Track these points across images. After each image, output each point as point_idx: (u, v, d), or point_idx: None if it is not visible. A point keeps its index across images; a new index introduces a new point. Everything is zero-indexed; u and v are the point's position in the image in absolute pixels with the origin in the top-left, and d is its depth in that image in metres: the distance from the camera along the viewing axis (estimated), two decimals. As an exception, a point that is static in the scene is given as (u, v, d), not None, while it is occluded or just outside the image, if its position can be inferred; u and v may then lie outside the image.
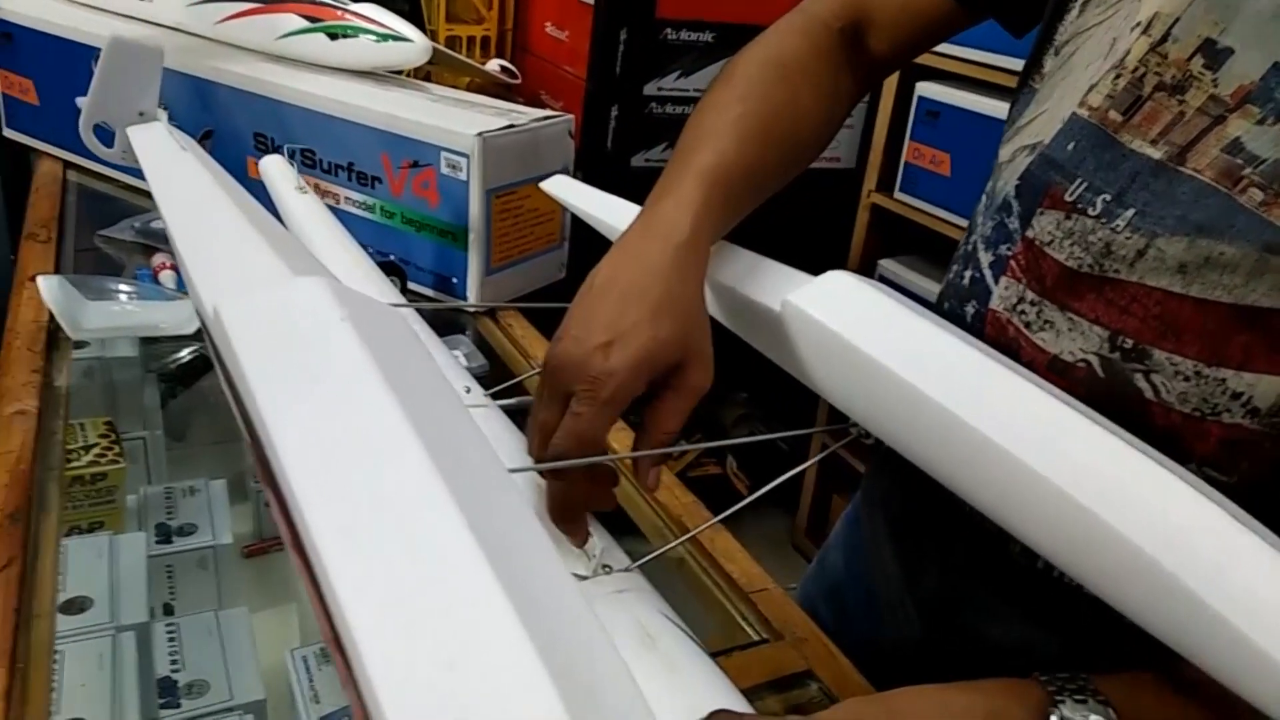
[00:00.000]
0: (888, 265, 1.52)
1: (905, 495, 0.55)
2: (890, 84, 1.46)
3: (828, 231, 1.59)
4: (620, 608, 0.39)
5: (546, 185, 0.68)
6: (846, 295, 0.44)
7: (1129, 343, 0.39)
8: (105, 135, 0.71)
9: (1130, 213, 0.38)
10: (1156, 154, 0.38)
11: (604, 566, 0.41)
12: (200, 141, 1.03)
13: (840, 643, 0.55)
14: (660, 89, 1.45)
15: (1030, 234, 0.42)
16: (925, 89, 1.41)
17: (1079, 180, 0.40)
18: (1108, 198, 0.39)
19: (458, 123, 0.85)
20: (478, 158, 0.83)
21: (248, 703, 0.61)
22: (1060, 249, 0.41)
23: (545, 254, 0.97)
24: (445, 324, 0.91)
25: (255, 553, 0.91)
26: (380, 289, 0.61)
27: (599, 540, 0.42)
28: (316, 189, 0.95)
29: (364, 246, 0.94)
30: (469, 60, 1.36)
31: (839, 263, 1.72)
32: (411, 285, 0.92)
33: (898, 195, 1.48)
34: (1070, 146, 0.41)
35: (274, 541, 0.93)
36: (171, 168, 0.49)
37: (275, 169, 0.76)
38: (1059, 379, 0.42)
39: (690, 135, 0.48)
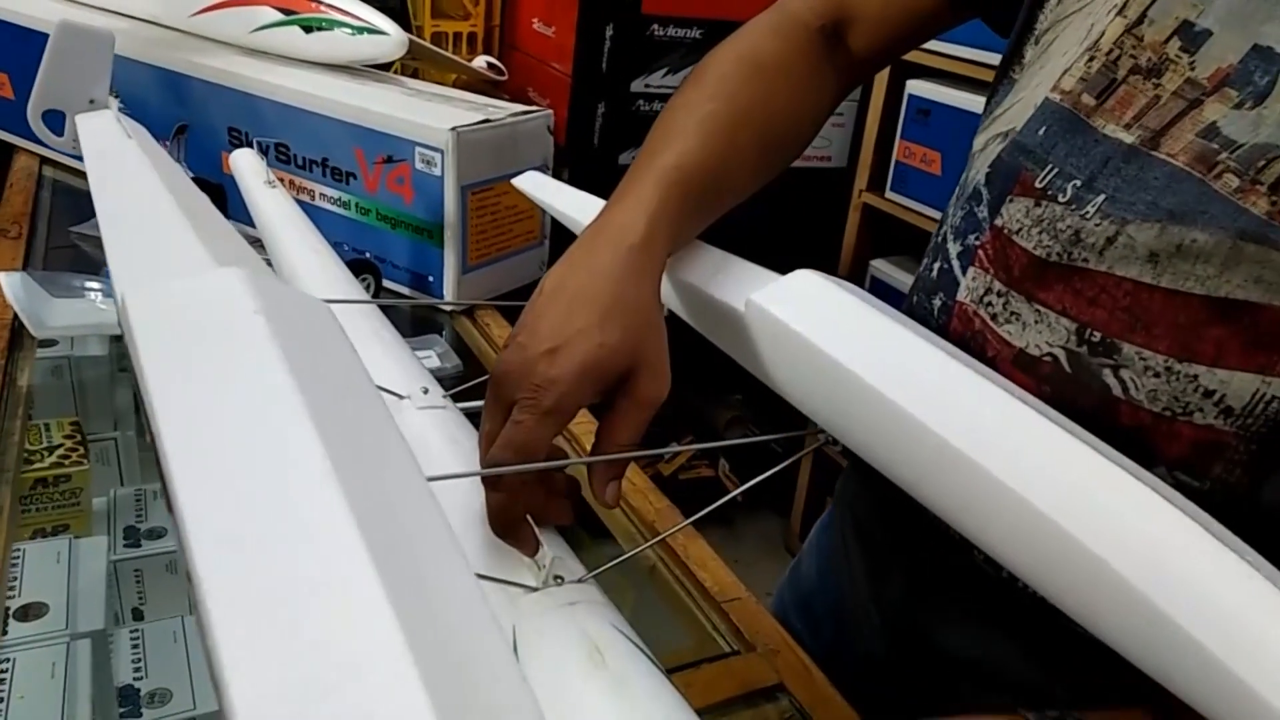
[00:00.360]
0: (879, 265, 1.50)
1: (871, 500, 0.53)
2: (881, 82, 1.44)
3: (818, 231, 1.57)
4: (569, 621, 0.37)
5: (519, 181, 0.66)
6: (811, 295, 0.42)
7: (1097, 336, 0.37)
8: (60, 122, 0.69)
9: (1100, 199, 0.36)
10: (1129, 138, 0.36)
11: (556, 577, 0.39)
12: (174, 136, 1.01)
13: (812, 655, 0.53)
14: (647, 86, 1.43)
15: (999, 222, 0.41)
16: (916, 87, 1.39)
17: (1049, 166, 0.39)
18: (1078, 184, 0.37)
19: (432, 117, 0.83)
20: (452, 153, 0.81)
21: (211, 712, 0.59)
22: (1028, 237, 0.39)
23: (524, 252, 0.95)
24: (421, 323, 0.89)
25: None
26: (345, 286, 0.59)
27: (551, 549, 0.40)
28: (291, 185, 0.93)
29: (339, 245, 0.93)
30: (453, 56, 1.34)
31: (829, 263, 1.71)
32: (388, 283, 0.90)
33: (889, 194, 1.46)
34: (1041, 131, 0.39)
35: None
36: (112, 155, 0.47)
37: (245, 163, 0.74)
38: (1024, 375, 0.40)
39: (654, 136, 0.46)
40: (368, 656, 0.18)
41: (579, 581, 0.39)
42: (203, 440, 0.22)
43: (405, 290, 0.91)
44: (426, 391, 0.49)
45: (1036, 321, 0.39)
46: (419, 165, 0.84)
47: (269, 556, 0.20)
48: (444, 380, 0.81)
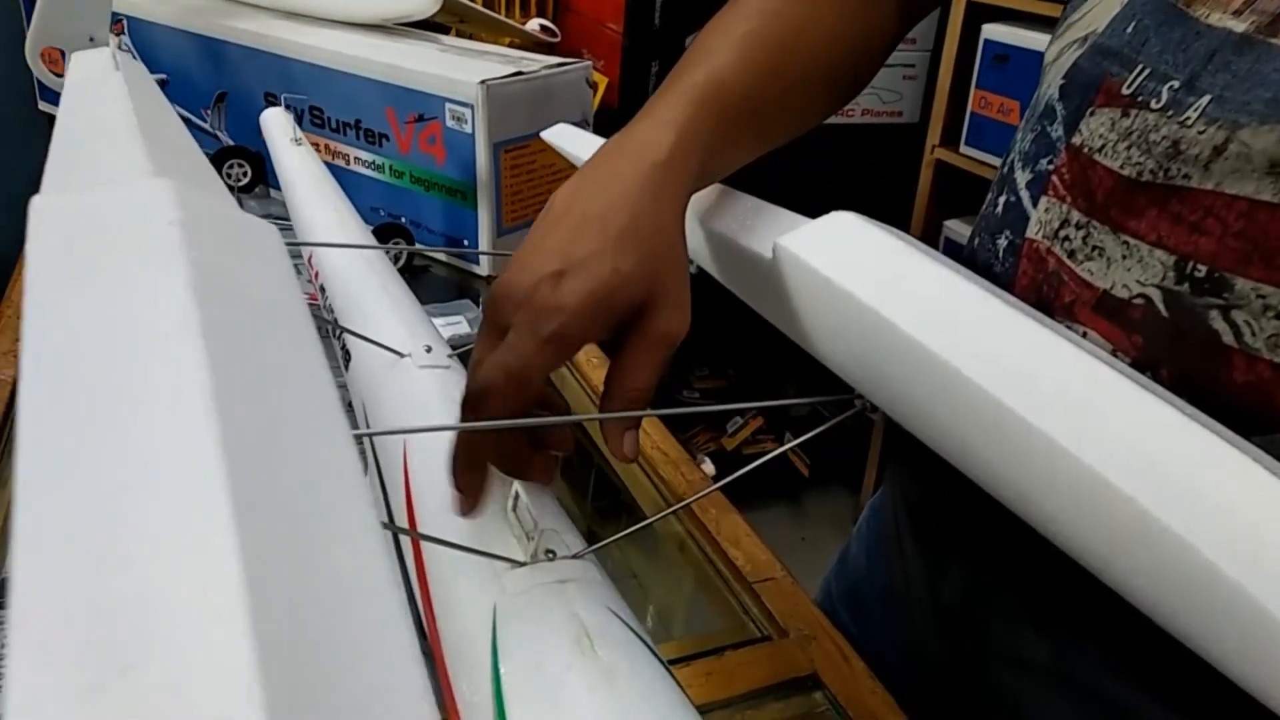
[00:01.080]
0: (953, 226, 1.41)
1: (925, 481, 0.47)
2: (955, 27, 1.35)
3: (887, 192, 1.48)
4: (557, 601, 0.32)
5: (548, 135, 0.61)
6: (846, 237, 0.37)
7: (1201, 270, 0.31)
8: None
9: (1205, 100, 0.30)
10: (1241, 26, 0.29)
11: (547, 552, 0.35)
12: (215, 105, 1.00)
13: (859, 649, 0.48)
14: (704, 42, 1.37)
15: (1077, 140, 0.34)
16: (992, 31, 1.29)
17: (1139, 67, 0.32)
18: (1175, 85, 0.31)
19: (461, 71, 0.79)
20: (482, 107, 0.77)
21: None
22: (1114, 154, 0.33)
23: (565, 214, 0.90)
24: (457, 289, 0.86)
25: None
26: (370, 255, 0.56)
27: (546, 521, 0.36)
28: (326, 150, 0.91)
29: (374, 210, 0.90)
30: (501, 17, 1.30)
31: (900, 225, 1.61)
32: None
33: (964, 149, 1.37)
34: (1129, 29, 0.33)
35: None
36: (93, 85, 0.44)
37: (273, 121, 0.72)
38: (1110, 323, 0.33)
39: (686, 58, 0.41)
40: (193, 626, 0.14)
41: (574, 557, 0.35)
42: (64, 353, 0.19)
43: (440, 257, 0.88)
44: (430, 350, 0.45)
45: (1125, 256, 0.33)
46: (450, 123, 0.80)
47: (102, 490, 0.16)
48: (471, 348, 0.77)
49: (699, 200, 0.43)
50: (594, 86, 0.87)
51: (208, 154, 0.94)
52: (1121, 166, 0.33)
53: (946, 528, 0.45)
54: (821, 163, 1.29)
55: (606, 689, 0.30)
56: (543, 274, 0.32)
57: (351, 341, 0.47)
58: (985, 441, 0.29)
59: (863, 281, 0.34)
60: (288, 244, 0.32)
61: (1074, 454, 0.26)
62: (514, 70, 0.80)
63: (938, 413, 0.31)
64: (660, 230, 0.34)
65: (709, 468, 1.60)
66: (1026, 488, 0.28)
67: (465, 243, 0.85)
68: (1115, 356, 0.33)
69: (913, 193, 1.48)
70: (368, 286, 0.50)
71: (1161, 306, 0.32)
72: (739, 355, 1.81)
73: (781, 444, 1.78)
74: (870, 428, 1.74)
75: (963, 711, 0.44)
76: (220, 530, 0.16)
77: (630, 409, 0.34)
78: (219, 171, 0.91)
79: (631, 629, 0.33)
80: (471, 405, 0.33)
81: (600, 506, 0.90)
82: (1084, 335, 0.35)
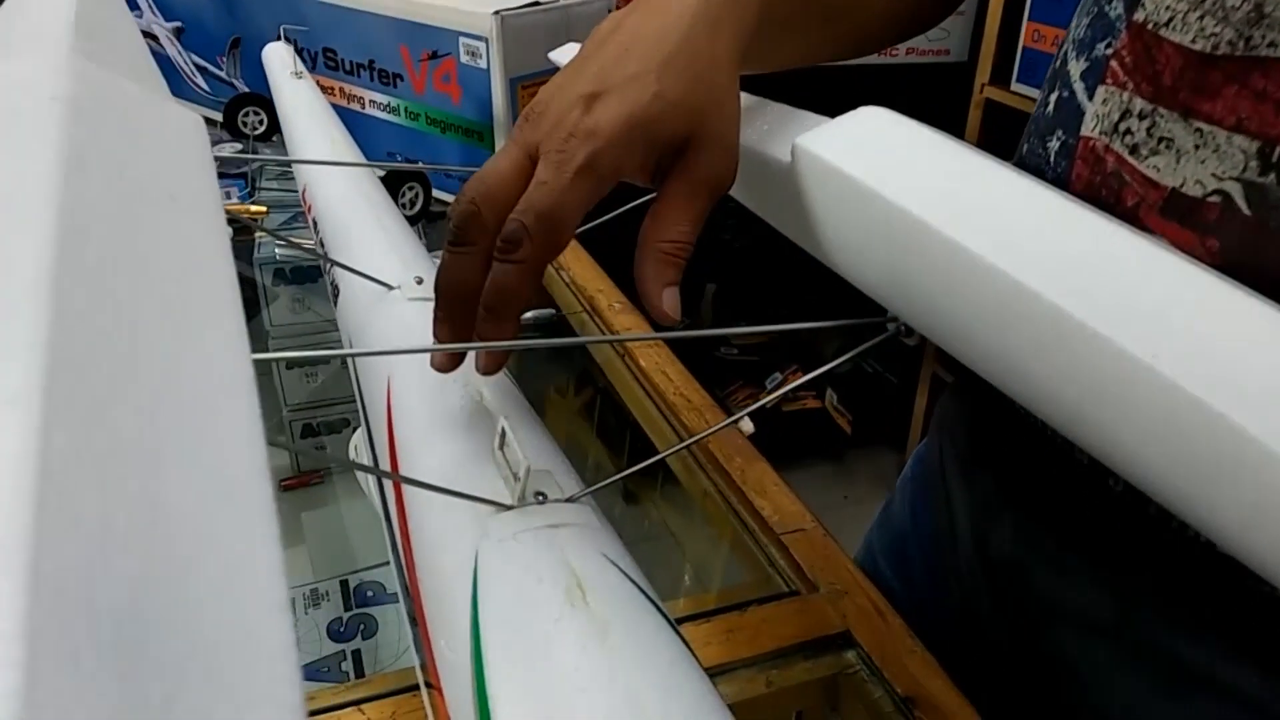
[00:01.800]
0: (1004, 170, 1.33)
1: (975, 422, 0.42)
2: (1006, -44, 1.26)
3: (934, 135, 1.41)
4: (547, 548, 0.29)
5: (555, 54, 0.57)
6: (874, 133, 0.32)
7: None
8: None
9: None
10: None
11: (537, 494, 0.31)
12: (229, 51, 0.97)
13: (903, 607, 0.44)
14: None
15: (1140, 16, 0.29)
16: (1048, -42, 1.21)
17: None
18: None
19: (475, 3, 0.75)
20: (497, 40, 0.73)
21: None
22: (1184, 27, 0.28)
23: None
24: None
25: (291, 486, 0.87)
26: (362, 175, 0.52)
27: (541, 462, 0.33)
28: (341, 93, 0.87)
29: (391, 155, 0.87)
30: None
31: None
32: (438, 193, 0.84)
33: (1015, 87, 1.29)
34: None
35: (312, 474, 0.88)
36: None
37: (274, 55, 0.68)
38: (1181, 227, 0.29)
39: None
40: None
41: (567, 501, 0.31)
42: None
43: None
44: (421, 282, 0.41)
45: (1198, 146, 0.28)
46: (464, 58, 0.76)
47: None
48: (534, 325, 0.74)
49: None
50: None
51: (222, 102, 0.91)
52: (1193, 40, 0.28)
53: (996, 473, 0.40)
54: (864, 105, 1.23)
55: (598, 645, 0.26)
56: (577, 95, 0.29)
57: (340, 275, 0.43)
58: (1040, 357, 0.25)
59: (892, 180, 0.29)
60: (271, 160, 0.29)
61: (1150, 365, 0.21)
62: (530, 1, 0.75)
63: (982, 327, 0.26)
64: (714, 62, 0.31)
65: (747, 425, 1.55)
66: (1092, 409, 0.23)
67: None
68: None
69: (960, 135, 1.40)
70: (360, 219, 0.46)
71: (1242, 203, 0.27)
72: (779, 310, 1.76)
73: (823, 401, 1.73)
74: (915, 386, 1.68)
75: (1012, 673, 0.40)
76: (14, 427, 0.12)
77: (665, 262, 0.30)
78: (234, 120, 0.88)
79: (630, 579, 0.29)
80: (508, 239, 0.29)
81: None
82: None
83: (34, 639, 0.10)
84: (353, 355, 0.29)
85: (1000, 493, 0.40)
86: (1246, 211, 0.27)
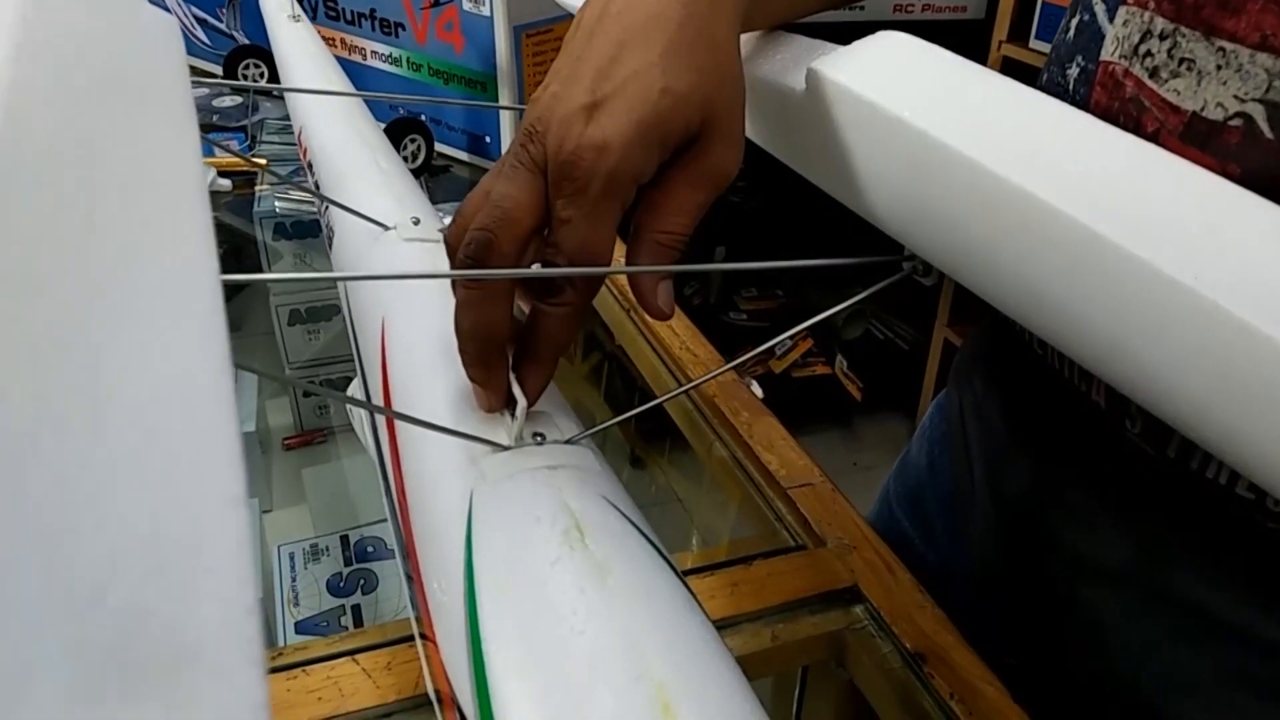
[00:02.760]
0: (1021, 132, 1.30)
1: (992, 363, 0.41)
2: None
3: (950, 96, 1.38)
4: (545, 488, 0.28)
5: (559, -4, 0.55)
6: (894, 58, 0.30)
7: None
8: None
9: None
10: None
11: (535, 435, 0.30)
12: (229, 3, 0.95)
13: (921, 558, 0.43)
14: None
15: None
16: (1071, -90, 1.17)
17: None
18: None
19: (478, -54, 0.73)
20: (501, -14, 0.71)
21: (241, 599, 0.54)
22: None
23: (595, 108, 0.84)
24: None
25: (294, 445, 0.86)
26: (358, 116, 0.51)
27: (541, 404, 0.31)
28: (342, 44, 0.85)
29: (394, 109, 0.85)
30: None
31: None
32: (441, 147, 0.82)
33: (1033, 44, 1.26)
34: None
35: (315, 434, 0.87)
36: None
37: (272, 1, 0.66)
38: (1201, 151, 0.27)
39: None
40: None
41: (566, 442, 0.30)
42: None
43: (462, 155, 0.82)
44: (418, 222, 0.40)
45: (1220, 67, 0.27)
46: (467, 6, 0.74)
47: None
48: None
49: None
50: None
51: (222, 55, 0.89)
52: None
53: (1012, 420, 0.39)
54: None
55: (597, 587, 0.25)
56: (578, 105, 0.26)
57: (335, 216, 0.42)
58: (1069, 284, 0.23)
59: (913, 103, 0.28)
60: (277, 88, 0.27)
61: (1190, 286, 0.20)
62: (535, -56, 0.73)
63: (1007, 254, 0.25)
64: (716, 44, 0.28)
65: (756, 391, 1.54)
66: (1126, 337, 0.22)
67: (487, 139, 0.80)
68: None
69: (977, 96, 1.37)
70: (356, 160, 0.45)
71: (1265, 126, 0.26)
72: (789, 275, 1.74)
73: (833, 367, 1.71)
74: (926, 352, 1.66)
75: (1028, 622, 0.39)
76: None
77: (661, 255, 0.29)
78: (234, 72, 0.86)
79: (631, 521, 0.28)
80: (539, 296, 0.28)
81: (645, 429, 0.85)
82: None
83: None
84: (337, 279, 0.28)
85: (1016, 439, 0.39)
86: (1269, 134, 0.26)
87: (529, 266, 0.28)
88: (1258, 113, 0.26)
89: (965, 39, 1.41)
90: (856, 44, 0.31)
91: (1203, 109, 0.27)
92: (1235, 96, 0.26)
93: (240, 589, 0.11)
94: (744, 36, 0.37)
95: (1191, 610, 0.32)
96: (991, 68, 1.16)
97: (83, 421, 0.11)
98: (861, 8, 1.43)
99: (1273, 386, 0.18)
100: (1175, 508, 0.32)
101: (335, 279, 0.34)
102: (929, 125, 0.27)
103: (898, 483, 0.52)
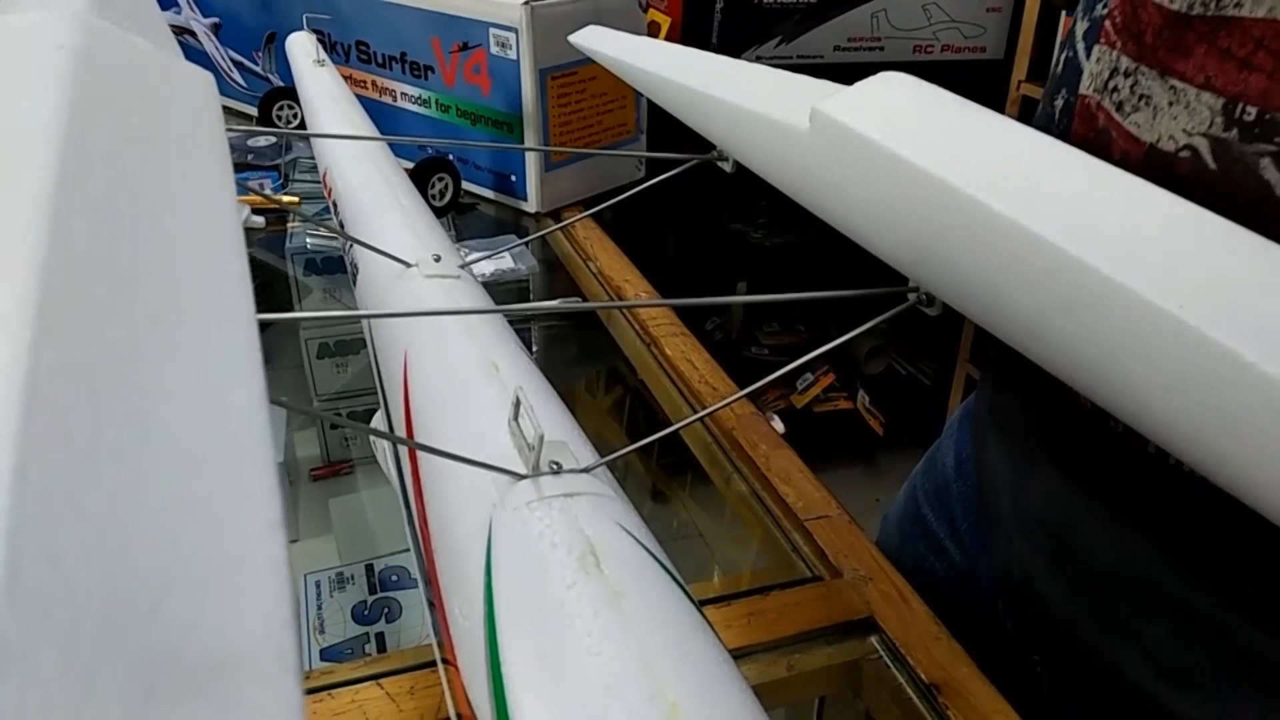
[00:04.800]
0: (1041, 167, 1.31)
1: (1009, 376, 0.42)
2: (1044, -50, 1.25)
3: (970, 132, 1.39)
4: (561, 516, 0.29)
5: (576, 38, 0.57)
6: (896, 98, 0.31)
7: (1251, 112, 0.27)
8: None
9: None
10: None
11: (552, 464, 0.31)
12: (265, 46, 0.98)
13: (949, 559, 0.43)
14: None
15: None
16: (1088, -50, 1.18)
17: None
18: None
19: (504, -7, 0.75)
20: (527, 31, 0.73)
21: (268, 628, 0.55)
22: None
23: (616, 147, 0.86)
24: (503, 225, 0.82)
25: (322, 476, 0.88)
26: (380, 158, 0.53)
27: (556, 432, 0.32)
28: (373, 87, 0.88)
29: (421, 147, 0.87)
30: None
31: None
32: (468, 185, 0.84)
33: (1053, 82, 1.27)
34: None
35: (341, 464, 0.89)
36: None
37: (297, 44, 0.69)
38: (1159, 180, 0.29)
39: None
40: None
41: (582, 471, 0.31)
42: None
43: (488, 194, 0.84)
44: (439, 259, 0.41)
45: (1171, 103, 0.29)
46: (494, 49, 0.76)
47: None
48: (514, 283, 0.74)
49: (720, 74, 0.38)
50: (645, 9, 0.82)
51: (257, 95, 0.92)
52: (1170, 0, 0.29)
53: (1031, 420, 0.40)
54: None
55: (612, 611, 0.26)
56: None
57: (359, 254, 0.43)
58: (1062, 312, 0.24)
59: (913, 142, 0.29)
60: (293, 134, 0.29)
61: (1176, 315, 0.20)
62: (559, -10, 0.76)
63: (1006, 287, 0.26)
64: None
65: (778, 425, 1.54)
66: (1120, 367, 0.23)
67: (513, 178, 0.82)
68: None
69: (997, 132, 1.38)
70: (378, 199, 0.46)
71: (1209, 157, 0.28)
72: (809, 307, 1.74)
73: (855, 402, 1.71)
74: (949, 388, 1.65)
75: (1053, 625, 0.39)
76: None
77: None
78: (269, 113, 0.89)
79: (645, 548, 0.29)
80: None
81: (666, 464, 0.86)
82: None
83: (17, 547, 0.10)
84: (364, 317, 0.29)
85: (1039, 448, 0.39)
86: (1211, 165, 0.28)
87: None
88: (1202, 146, 0.28)
89: (985, 79, 1.43)
90: (859, 84, 0.32)
91: (1158, 141, 0.30)
92: (1184, 130, 0.29)
93: (279, 604, 0.12)
94: (749, 76, 0.38)
95: (1192, 619, 0.33)
96: (1011, 107, 1.18)
97: (135, 453, 0.12)
98: (882, 49, 1.45)
99: (1258, 413, 0.19)
100: (1202, 519, 0.32)
101: (359, 316, 0.35)
102: (928, 163, 0.28)
103: (926, 478, 0.53)
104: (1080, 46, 0.34)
